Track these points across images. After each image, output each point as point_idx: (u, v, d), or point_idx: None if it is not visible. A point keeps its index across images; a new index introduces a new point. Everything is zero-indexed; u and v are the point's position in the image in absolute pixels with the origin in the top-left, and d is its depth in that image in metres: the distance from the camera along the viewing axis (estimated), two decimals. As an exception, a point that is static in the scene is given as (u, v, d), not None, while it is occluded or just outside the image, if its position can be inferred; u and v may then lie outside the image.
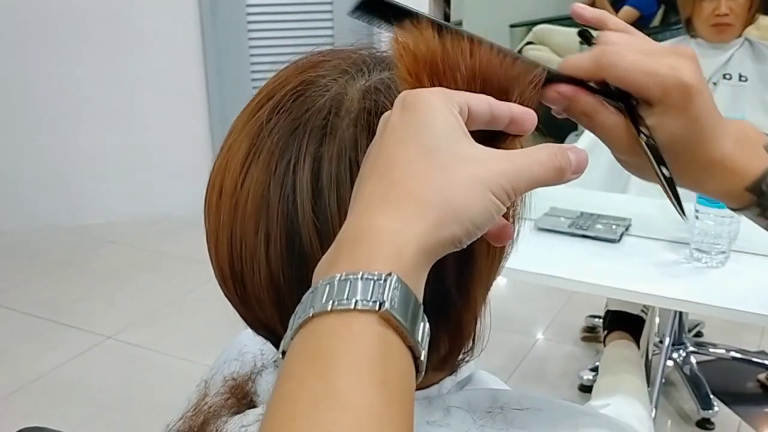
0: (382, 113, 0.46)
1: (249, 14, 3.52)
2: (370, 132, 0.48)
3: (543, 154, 0.43)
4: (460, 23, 2.76)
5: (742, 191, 0.55)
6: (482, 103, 0.44)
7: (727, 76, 1.97)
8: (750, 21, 1.88)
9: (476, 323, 0.55)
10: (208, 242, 0.53)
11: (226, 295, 0.54)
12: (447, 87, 0.44)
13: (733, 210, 0.58)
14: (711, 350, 2.45)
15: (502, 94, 0.46)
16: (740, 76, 1.96)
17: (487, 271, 0.53)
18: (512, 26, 3.87)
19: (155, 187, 3.61)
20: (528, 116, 0.46)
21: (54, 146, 3.52)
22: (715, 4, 1.84)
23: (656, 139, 0.52)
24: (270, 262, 0.49)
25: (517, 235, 0.53)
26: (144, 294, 2.97)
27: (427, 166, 0.40)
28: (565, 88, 0.51)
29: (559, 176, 0.44)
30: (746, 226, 1.55)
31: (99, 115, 3.52)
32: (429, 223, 0.38)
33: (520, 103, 0.46)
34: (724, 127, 0.54)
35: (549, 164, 0.43)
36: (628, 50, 0.51)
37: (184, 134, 3.60)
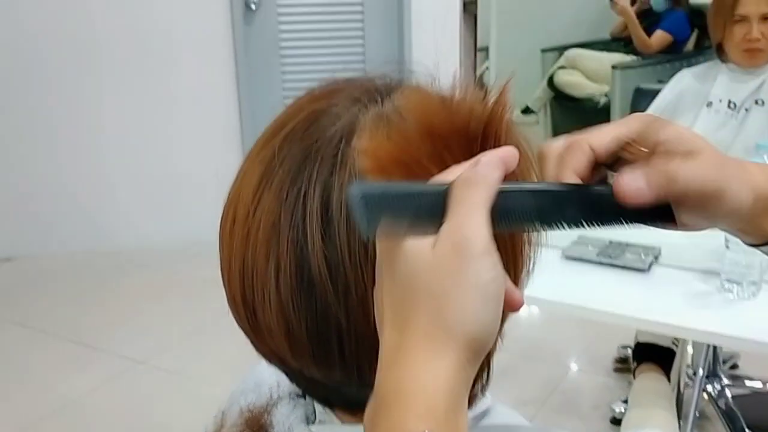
0: None
1: (282, 40, 3.56)
2: None
3: None
4: (486, 49, 2.75)
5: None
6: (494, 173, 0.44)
7: (760, 102, 1.94)
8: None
9: (490, 357, 0.54)
10: (221, 271, 0.54)
11: (238, 324, 0.54)
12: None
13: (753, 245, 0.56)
14: (747, 383, 2.38)
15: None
16: (773, 101, 1.93)
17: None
18: (543, 51, 3.86)
19: (187, 212, 3.63)
20: (510, 157, 0.45)
21: (87, 171, 3.57)
22: (746, 29, 1.82)
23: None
24: (280, 290, 0.49)
25: (535, 262, 0.54)
26: (175, 319, 2.99)
27: (475, 305, 0.41)
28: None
29: None
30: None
31: (132, 140, 3.57)
32: (464, 361, 0.41)
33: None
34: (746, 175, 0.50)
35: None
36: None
37: (216, 160, 3.63)
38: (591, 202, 0.46)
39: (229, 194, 0.54)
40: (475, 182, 0.42)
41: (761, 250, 0.56)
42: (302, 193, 0.49)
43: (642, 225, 0.47)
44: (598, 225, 0.46)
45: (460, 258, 0.40)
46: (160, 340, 2.82)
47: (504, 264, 0.44)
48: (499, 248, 0.42)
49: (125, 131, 3.56)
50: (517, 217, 0.45)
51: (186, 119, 3.59)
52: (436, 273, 0.41)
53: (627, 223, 0.47)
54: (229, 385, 0.75)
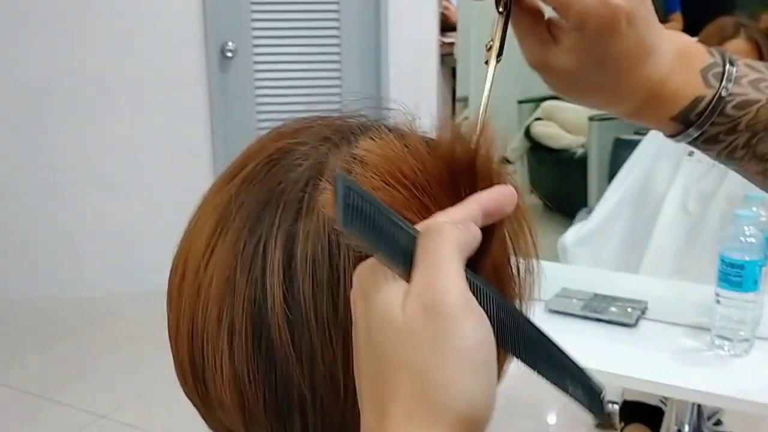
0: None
1: (258, 88, 3.53)
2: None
3: None
4: (466, 99, 2.74)
5: (668, 121, 0.51)
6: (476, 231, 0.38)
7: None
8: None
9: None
10: (169, 333, 0.47)
11: (186, 394, 0.47)
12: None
13: (670, 137, 0.53)
14: (731, 440, 2.33)
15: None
16: None
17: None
18: (520, 102, 3.88)
19: (152, 261, 3.54)
20: (506, 198, 0.39)
21: (53, 215, 3.48)
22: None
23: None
24: (234, 358, 0.42)
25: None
26: (139, 370, 2.88)
27: (461, 377, 0.34)
28: None
29: None
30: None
31: (100, 185, 3.49)
32: None
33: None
34: (659, 47, 0.49)
35: None
36: None
37: (187, 206, 3.54)
38: (548, 354, 0.40)
39: (180, 245, 0.47)
40: (443, 230, 0.36)
41: (679, 141, 0.53)
42: (262, 244, 0.42)
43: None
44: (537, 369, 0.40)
45: (434, 323, 0.34)
46: (122, 393, 2.71)
47: None
48: None
49: (91, 178, 3.47)
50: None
51: (155, 167, 3.51)
52: (410, 341, 0.34)
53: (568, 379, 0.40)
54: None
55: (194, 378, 0.45)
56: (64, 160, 3.43)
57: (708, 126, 0.51)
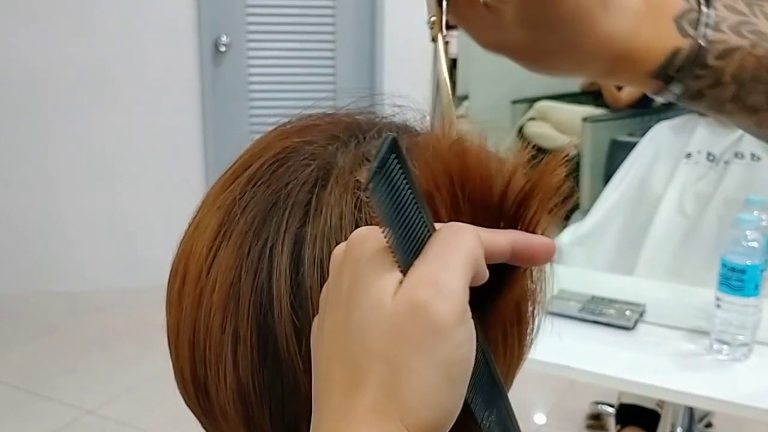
0: None
1: (251, 83, 3.50)
2: (363, 210, 0.40)
3: None
4: (466, 98, 2.73)
5: (646, 78, 0.47)
6: (503, 247, 0.35)
7: (739, 155, 1.92)
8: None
9: None
10: (168, 339, 0.45)
11: (187, 405, 0.44)
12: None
13: (653, 95, 0.49)
14: (722, 443, 2.33)
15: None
16: (752, 155, 1.91)
17: None
18: (514, 102, 3.88)
19: (143, 255, 3.52)
20: (542, 248, 0.37)
21: (44, 209, 3.45)
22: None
23: None
24: (238, 367, 0.40)
25: (537, 329, 0.45)
26: (128, 366, 2.86)
27: (438, 387, 0.32)
28: None
29: None
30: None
31: (92, 179, 3.46)
32: None
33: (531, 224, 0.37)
34: None
35: None
36: None
37: (179, 201, 3.53)
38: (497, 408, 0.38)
39: (180, 247, 0.45)
40: (464, 232, 0.34)
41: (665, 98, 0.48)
42: (268, 248, 0.40)
43: None
44: None
45: (423, 324, 0.31)
46: (110, 389, 2.68)
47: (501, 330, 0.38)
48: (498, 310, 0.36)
49: (82, 171, 3.44)
50: None
51: (148, 161, 3.49)
52: (393, 334, 0.32)
53: None
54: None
55: (196, 388, 0.43)
56: (55, 153, 3.40)
57: (690, 80, 0.47)
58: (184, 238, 0.45)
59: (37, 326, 3.18)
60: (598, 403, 2.49)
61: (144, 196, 3.52)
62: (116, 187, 3.49)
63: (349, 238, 0.35)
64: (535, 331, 0.45)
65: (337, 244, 0.38)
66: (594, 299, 1.61)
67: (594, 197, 2.21)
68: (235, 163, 0.45)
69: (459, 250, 0.33)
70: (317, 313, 0.38)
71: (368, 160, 0.41)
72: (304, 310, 0.39)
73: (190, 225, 0.45)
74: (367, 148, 0.43)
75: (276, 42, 3.48)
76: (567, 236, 2.03)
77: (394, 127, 0.46)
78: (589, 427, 2.51)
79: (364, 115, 0.47)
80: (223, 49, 3.42)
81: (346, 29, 3.52)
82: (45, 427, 2.45)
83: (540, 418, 2.58)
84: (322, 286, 0.38)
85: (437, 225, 0.35)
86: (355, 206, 0.40)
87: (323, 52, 3.52)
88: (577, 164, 3.27)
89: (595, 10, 0.45)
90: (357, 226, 0.38)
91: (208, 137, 3.49)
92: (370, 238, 0.34)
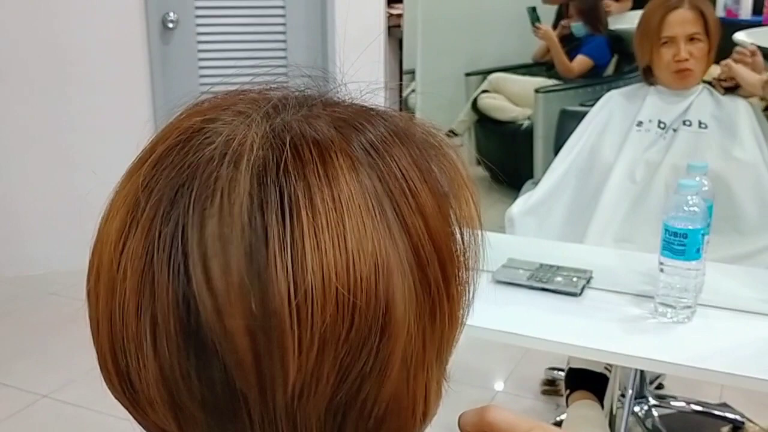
0: (287, 163, 0.38)
1: (201, 60, 3.45)
2: (271, 185, 0.39)
3: None
4: (413, 72, 2.72)
5: None
6: None
7: (687, 123, 1.95)
8: (708, 66, 1.86)
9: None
10: (92, 335, 0.44)
11: (115, 397, 0.44)
12: None
13: None
14: (672, 403, 2.39)
15: None
16: (700, 123, 1.94)
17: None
18: (467, 74, 3.87)
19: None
20: None
21: (-7, 193, 3.37)
22: (674, 51, 1.82)
23: None
24: (158, 352, 0.39)
25: (474, 294, 0.46)
26: (84, 349, 2.79)
27: None
28: None
29: None
30: (711, 278, 1.49)
31: (41, 160, 3.39)
32: None
33: None
34: None
35: None
36: None
37: (131, 181, 3.49)
38: None
39: (93, 244, 0.44)
40: None
41: None
42: (180, 229, 0.38)
43: None
44: None
45: None
46: (67, 372, 2.64)
47: (436, 294, 0.39)
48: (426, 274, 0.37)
49: (34, 151, 3.37)
50: None
51: (100, 140, 3.42)
52: None
53: None
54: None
55: (120, 379, 0.42)
56: (2, 132, 3.32)
57: None
58: (96, 233, 0.44)
59: (-12, 312, 3.12)
60: (552, 368, 2.54)
61: (94, 176, 3.45)
62: (66, 166, 3.42)
63: None
64: (470, 296, 0.46)
65: (241, 224, 0.37)
66: (542, 267, 1.63)
67: (546, 168, 2.23)
68: (142, 150, 0.44)
69: None
70: (234, 287, 0.37)
71: (283, 132, 0.40)
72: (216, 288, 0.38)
73: (101, 219, 0.44)
74: (278, 122, 0.42)
75: (225, 17, 3.42)
76: (518, 206, 2.05)
77: (312, 99, 0.45)
78: (544, 392, 2.55)
79: (279, 90, 0.47)
80: (171, 26, 3.36)
81: (296, 3, 3.48)
82: (1, 411, 2.41)
83: (498, 385, 2.63)
84: (225, 264, 0.37)
85: None
86: (258, 183, 0.39)
87: (274, 26, 3.47)
88: (530, 135, 3.29)
89: None
90: (259, 202, 0.38)
91: (158, 115, 3.43)
92: None
